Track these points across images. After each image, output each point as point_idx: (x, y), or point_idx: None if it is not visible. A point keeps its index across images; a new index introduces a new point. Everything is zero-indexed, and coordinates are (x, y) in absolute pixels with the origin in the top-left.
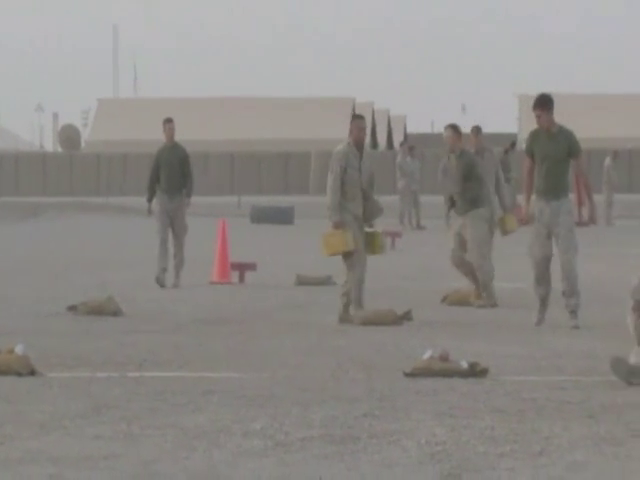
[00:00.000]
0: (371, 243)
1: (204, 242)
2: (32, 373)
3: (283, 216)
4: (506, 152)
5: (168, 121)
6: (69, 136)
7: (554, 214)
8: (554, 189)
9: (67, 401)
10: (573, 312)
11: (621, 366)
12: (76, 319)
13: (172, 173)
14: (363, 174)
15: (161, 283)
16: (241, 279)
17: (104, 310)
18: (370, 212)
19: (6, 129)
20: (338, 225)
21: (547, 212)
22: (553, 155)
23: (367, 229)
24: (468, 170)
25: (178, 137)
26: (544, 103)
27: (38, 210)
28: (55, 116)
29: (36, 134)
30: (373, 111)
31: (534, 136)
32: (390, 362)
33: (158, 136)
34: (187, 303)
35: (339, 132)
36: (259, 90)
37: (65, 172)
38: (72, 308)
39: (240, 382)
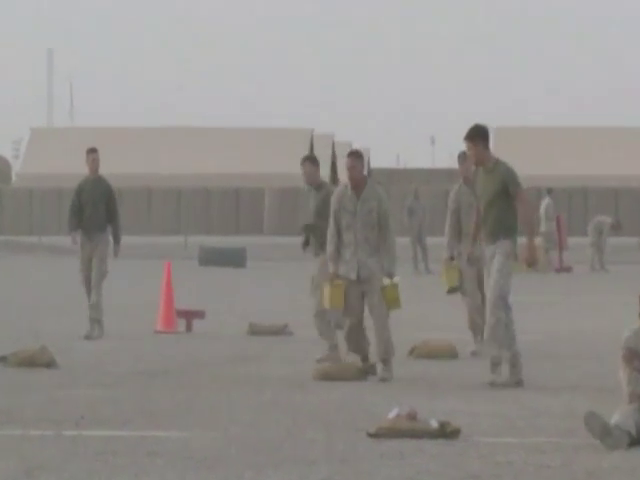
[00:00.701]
0: (384, 297)
1: (148, 287)
2: None
3: (234, 258)
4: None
5: (91, 151)
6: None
7: (490, 259)
8: (489, 232)
9: None
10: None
11: (595, 422)
12: (5, 371)
13: (94, 210)
14: (359, 217)
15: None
16: (188, 328)
17: (37, 361)
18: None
19: None
20: (332, 277)
21: (488, 258)
22: (487, 193)
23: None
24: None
25: (118, 170)
26: (472, 135)
27: None
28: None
29: None
30: (333, 144)
31: (475, 173)
32: (352, 421)
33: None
34: (129, 354)
35: (295, 167)
36: (207, 119)
37: None
38: (1, 359)
39: (187, 442)
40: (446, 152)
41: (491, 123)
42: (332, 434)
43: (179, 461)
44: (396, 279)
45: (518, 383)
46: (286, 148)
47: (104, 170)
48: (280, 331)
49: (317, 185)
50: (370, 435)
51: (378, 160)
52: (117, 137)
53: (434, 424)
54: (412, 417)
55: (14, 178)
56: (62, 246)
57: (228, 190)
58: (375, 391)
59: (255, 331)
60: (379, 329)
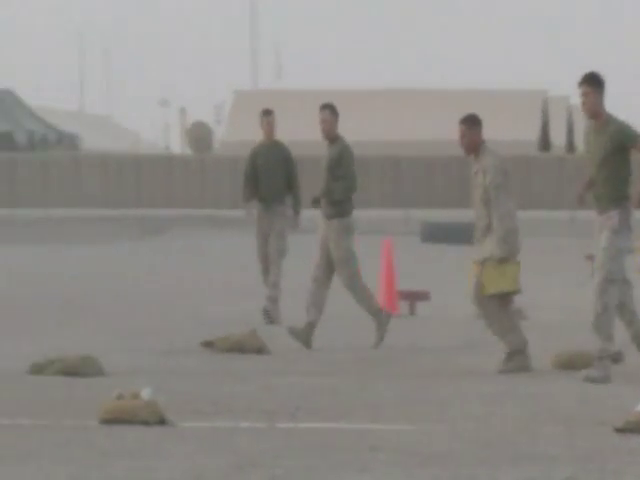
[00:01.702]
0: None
1: (366, 265)
2: (161, 422)
3: (460, 234)
4: None
5: (266, 113)
6: (200, 136)
7: (599, 232)
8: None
9: (204, 456)
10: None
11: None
12: (213, 357)
13: (270, 178)
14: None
15: (267, 318)
16: (411, 310)
17: (247, 346)
18: None
19: (125, 127)
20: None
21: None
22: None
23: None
24: None
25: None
26: (589, 80)
27: (163, 226)
28: (182, 111)
29: (160, 133)
30: (569, 107)
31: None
32: (595, 414)
33: (306, 135)
34: (345, 338)
35: (526, 132)
36: (427, 81)
37: (195, 179)
38: (208, 344)
39: (413, 436)
40: None
41: None
42: (573, 428)
43: (404, 457)
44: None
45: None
46: (516, 112)
47: (308, 136)
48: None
49: (333, 137)
50: (617, 430)
51: None
52: (328, 100)
53: None
54: None
55: (216, 146)
56: None
57: (454, 158)
58: (620, 381)
59: None
60: None
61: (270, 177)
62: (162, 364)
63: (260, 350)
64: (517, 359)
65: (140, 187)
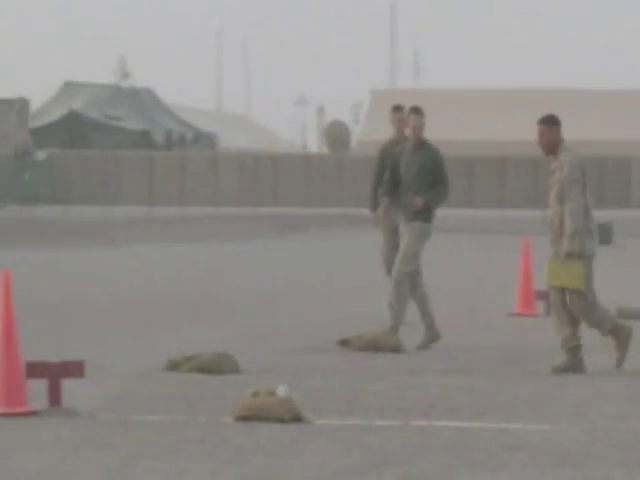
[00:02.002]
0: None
1: (503, 265)
2: (297, 420)
3: (599, 234)
4: None
5: (396, 109)
6: (337, 135)
7: None
8: None
9: (339, 454)
10: None
11: None
12: (349, 355)
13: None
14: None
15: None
16: (548, 311)
17: (382, 345)
18: None
19: (261, 126)
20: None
21: None
22: None
23: None
24: None
25: (463, 137)
26: None
27: (300, 224)
28: (320, 110)
29: (297, 132)
30: None
31: None
32: None
33: (447, 135)
34: (482, 338)
35: None
36: (568, 81)
37: (332, 178)
38: (344, 342)
39: (550, 436)
40: None
41: None
42: None
43: (541, 456)
44: None
45: None
46: None
47: (445, 136)
48: None
49: (422, 142)
50: None
51: None
52: (468, 100)
53: None
54: None
55: (353, 145)
56: None
57: (592, 159)
58: None
59: (624, 315)
60: None
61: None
62: (298, 362)
63: (396, 349)
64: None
65: (277, 186)
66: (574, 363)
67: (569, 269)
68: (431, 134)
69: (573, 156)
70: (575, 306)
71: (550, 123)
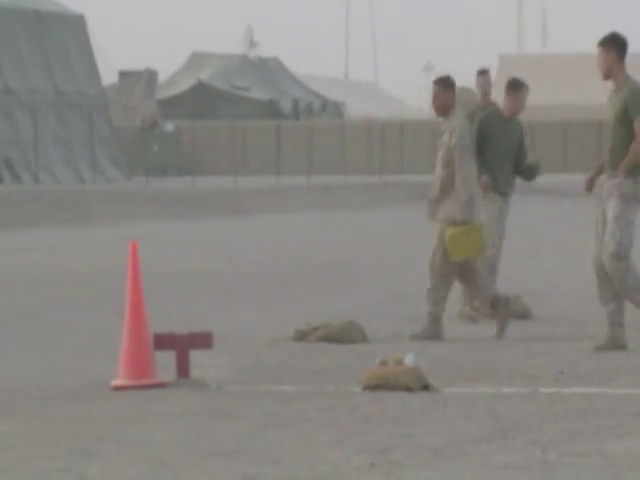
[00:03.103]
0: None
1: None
2: (425, 388)
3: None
4: None
5: (481, 73)
6: (465, 100)
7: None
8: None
9: (467, 422)
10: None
11: None
12: (476, 324)
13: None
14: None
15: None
16: None
17: (511, 311)
18: None
19: (389, 93)
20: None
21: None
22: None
23: None
24: None
25: (592, 101)
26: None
27: (426, 192)
28: None
29: (425, 99)
30: None
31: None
32: None
33: (571, 99)
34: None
35: None
36: None
37: None
38: (473, 310)
39: None
40: None
41: None
42: None
43: None
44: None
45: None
46: None
47: (572, 100)
48: None
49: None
50: None
51: None
52: (590, 65)
53: None
54: None
55: None
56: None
57: None
58: None
59: None
60: None
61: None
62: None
63: (524, 315)
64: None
65: (404, 154)
66: None
67: (469, 238)
68: (557, 99)
69: (464, 121)
70: (478, 271)
71: (445, 85)
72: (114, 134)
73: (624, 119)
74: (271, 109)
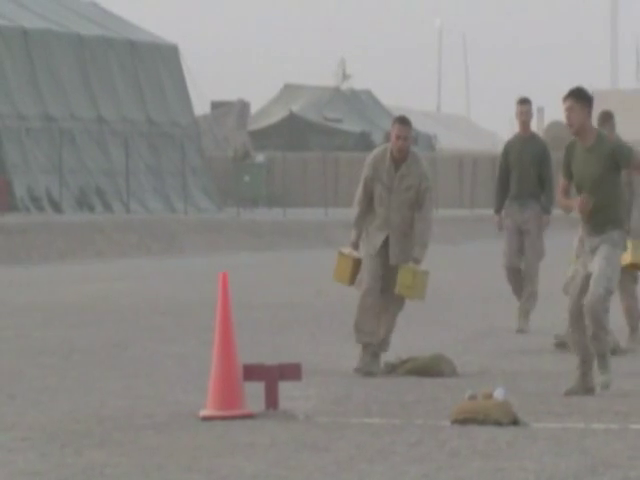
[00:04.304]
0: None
1: None
2: (514, 423)
3: None
4: None
5: (522, 102)
6: (557, 135)
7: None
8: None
9: (556, 458)
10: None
11: None
12: (566, 357)
13: (523, 173)
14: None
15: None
16: None
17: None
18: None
19: (481, 127)
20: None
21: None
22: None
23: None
24: None
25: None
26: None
27: None
28: (540, 111)
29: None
30: None
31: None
32: None
33: None
34: None
35: None
36: None
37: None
38: (561, 344)
39: None
40: None
41: None
42: None
43: None
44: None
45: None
46: None
47: None
48: None
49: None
50: None
51: None
52: None
53: None
54: None
55: None
56: None
57: None
58: None
59: None
60: None
61: (523, 172)
62: (514, 364)
63: (614, 350)
64: None
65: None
66: None
67: (421, 281)
68: None
69: (426, 164)
70: (399, 309)
71: (409, 128)
72: (206, 164)
73: (608, 176)
74: (363, 141)
